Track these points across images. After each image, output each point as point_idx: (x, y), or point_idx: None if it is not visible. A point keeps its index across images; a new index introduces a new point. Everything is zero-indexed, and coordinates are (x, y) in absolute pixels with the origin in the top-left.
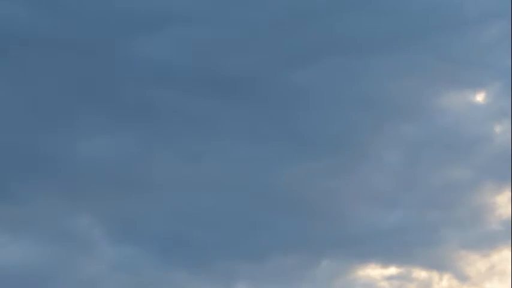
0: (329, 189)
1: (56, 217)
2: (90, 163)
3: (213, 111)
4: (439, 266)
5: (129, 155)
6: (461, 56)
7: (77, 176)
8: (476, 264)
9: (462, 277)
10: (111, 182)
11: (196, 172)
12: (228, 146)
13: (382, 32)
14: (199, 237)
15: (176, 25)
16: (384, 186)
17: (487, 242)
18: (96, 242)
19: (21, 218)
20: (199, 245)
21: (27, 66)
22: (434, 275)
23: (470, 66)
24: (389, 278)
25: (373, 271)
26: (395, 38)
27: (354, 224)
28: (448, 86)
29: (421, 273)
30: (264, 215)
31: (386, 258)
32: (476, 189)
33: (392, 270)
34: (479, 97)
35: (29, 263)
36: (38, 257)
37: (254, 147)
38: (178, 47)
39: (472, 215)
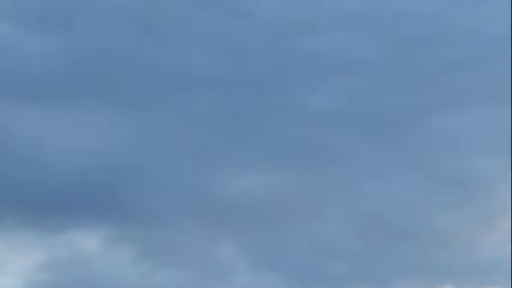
0: (457, 220)
1: (201, 245)
2: (238, 197)
3: (359, 149)
4: None
5: (273, 190)
6: None
7: (225, 208)
8: None
9: None
10: (255, 215)
11: (331, 206)
12: (369, 181)
13: None
14: (331, 266)
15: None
16: None
17: None
18: (236, 270)
19: (168, 245)
20: (331, 272)
21: (184, 106)
22: None
23: None
24: None
25: None
26: None
27: (479, 253)
28: None
29: None
30: (390, 243)
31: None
32: None
33: None
34: None
35: None
36: (181, 282)
37: (389, 182)
38: (334, 92)
39: None
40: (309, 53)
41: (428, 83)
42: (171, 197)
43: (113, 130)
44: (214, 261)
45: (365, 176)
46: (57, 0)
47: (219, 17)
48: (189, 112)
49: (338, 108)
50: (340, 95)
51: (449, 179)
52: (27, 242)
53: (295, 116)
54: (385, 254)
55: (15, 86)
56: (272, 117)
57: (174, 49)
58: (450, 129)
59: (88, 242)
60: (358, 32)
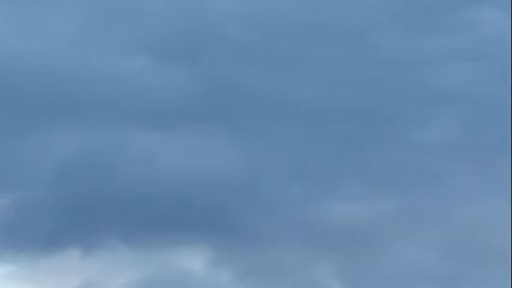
0: None
1: (299, 266)
2: (338, 221)
3: (461, 176)
4: None
5: (371, 217)
6: None
7: (324, 231)
8: None
9: None
10: (352, 238)
11: (427, 232)
12: (466, 206)
13: None
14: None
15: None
16: None
17: None
18: None
19: (268, 265)
20: None
21: (296, 134)
22: None
23: None
24: None
25: None
26: None
27: None
28: None
29: None
30: (482, 266)
31: None
32: None
33: None
34: None
35: None
36: None
37: (485, 207)
38: (440, 123)
39: None
40: (420, 85)
41: None
42: (275, 219)
43: (225, 153)
44: (311, 282)
45: (464, 201)
46: (186, 35)
47: (339, 49)
48: (301, 139)
49: (443, 138)
50: (446, 125)
51: None
52: (130, 260)
53: (400, 146)
54: (475, 277)
55: (142, 113)
56: (378, 147)
57: (294, 81)
58: None
59: (190, 260)
60: (466, 66)
